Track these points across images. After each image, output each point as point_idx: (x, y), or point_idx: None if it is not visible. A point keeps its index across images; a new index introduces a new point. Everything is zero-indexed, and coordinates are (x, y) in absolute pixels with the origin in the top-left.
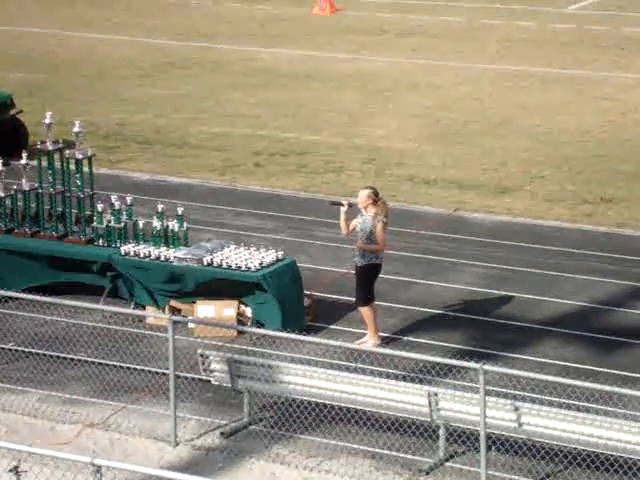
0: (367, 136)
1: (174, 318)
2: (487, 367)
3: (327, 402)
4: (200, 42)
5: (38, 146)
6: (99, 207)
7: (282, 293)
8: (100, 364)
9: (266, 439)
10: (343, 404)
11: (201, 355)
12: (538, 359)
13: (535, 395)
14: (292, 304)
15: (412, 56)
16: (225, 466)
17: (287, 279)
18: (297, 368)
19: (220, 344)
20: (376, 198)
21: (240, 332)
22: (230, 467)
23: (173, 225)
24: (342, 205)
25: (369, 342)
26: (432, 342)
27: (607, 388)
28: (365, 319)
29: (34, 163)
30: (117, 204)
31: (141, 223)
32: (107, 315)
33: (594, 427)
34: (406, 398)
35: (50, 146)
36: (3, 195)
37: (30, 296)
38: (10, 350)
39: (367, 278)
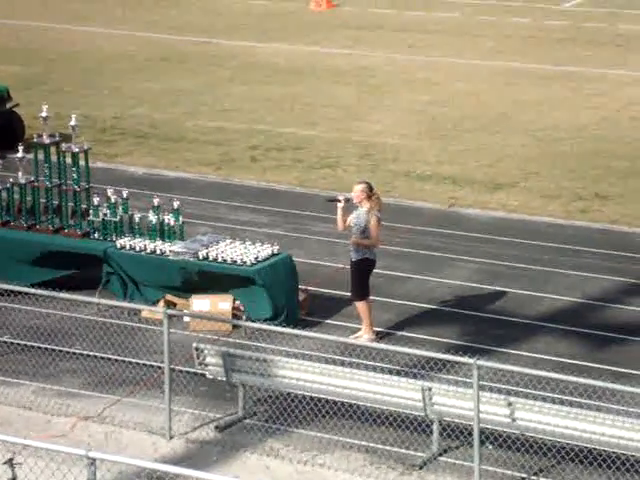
0: (363, 131)
1: (169, 312)
2: (481, 362)
3: (321, 396)
4: (197, 37)
5: (35, 139)
6: (95, 201)
7: (276, 287)
8: (95, 357)
9: (260, 433)
10: (337, 398)
11: (196, 349)
12: (532, 354)
13: (528, 390)
14: (287, 298)
15: (408, 52)
16: (219, 459)
17: (282, 273)
18: (292, 362)
19: (215, 338)
20: (370, 193)
21: (235, 326)
22: (224, 460)
23: (169, 219)
24: (339, 201)
25: (364, 337)
26: (426, 337)
27: (600, 384)
28: (360, 314)
29: (30, 156)
30: (113, 198)
31: (137, 217)
32: (102, 308)
33: (587, 422)
34: (400, 393)
35: (47, 139)
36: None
37: (25, 289)
38: (5, 342)
39: (361, 273)
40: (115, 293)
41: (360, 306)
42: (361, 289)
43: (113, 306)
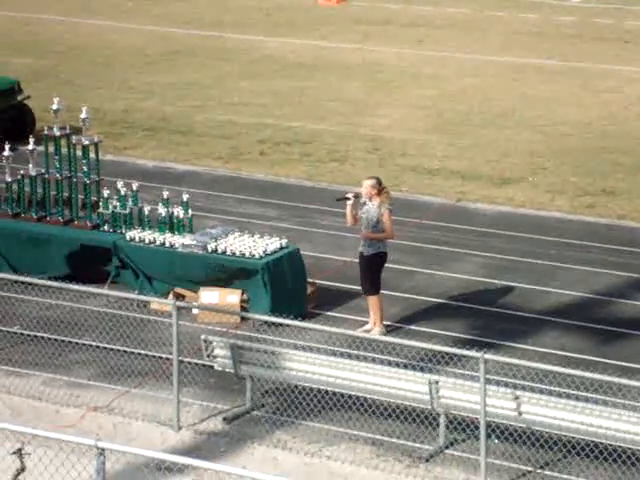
0: (371, 126)
1: (178, 304)
2: (488, 356)
3: (329, 389)
4: (207, 31)
5: (45, 132)
6: (105, 193)
7: (283, 280)
8: (104, 348)
9: (268, 424)
10: (345, 391)
11: (204, 341)
12: (538, 349)
13: (535, 384)
14: (293, 291)
15: (417, 47)
16: (227, 451)
17: (290, 267)
18: (299, 355)
19: (223, 330)
20: (380, 188)
21: (243, 318)
22: (232, 452)
23: (178, 212)
24: (348, 199)
25: (375, 329)
26: (434, 331)
27: (606, 378)
28: (372, 307)
29: (41, 149)
30: (123, 190)
31: (146, 209)
32: (112, 300)
33: (593, 416)
34: (407, 386)
35: (57, 132)
36: (10, 180)
37: (36, 280)
38: (15, 333)
39: (375, 267)
40: (126, 284)
41: (373, 300)
42: (375, 283)
43: (122, 298)
